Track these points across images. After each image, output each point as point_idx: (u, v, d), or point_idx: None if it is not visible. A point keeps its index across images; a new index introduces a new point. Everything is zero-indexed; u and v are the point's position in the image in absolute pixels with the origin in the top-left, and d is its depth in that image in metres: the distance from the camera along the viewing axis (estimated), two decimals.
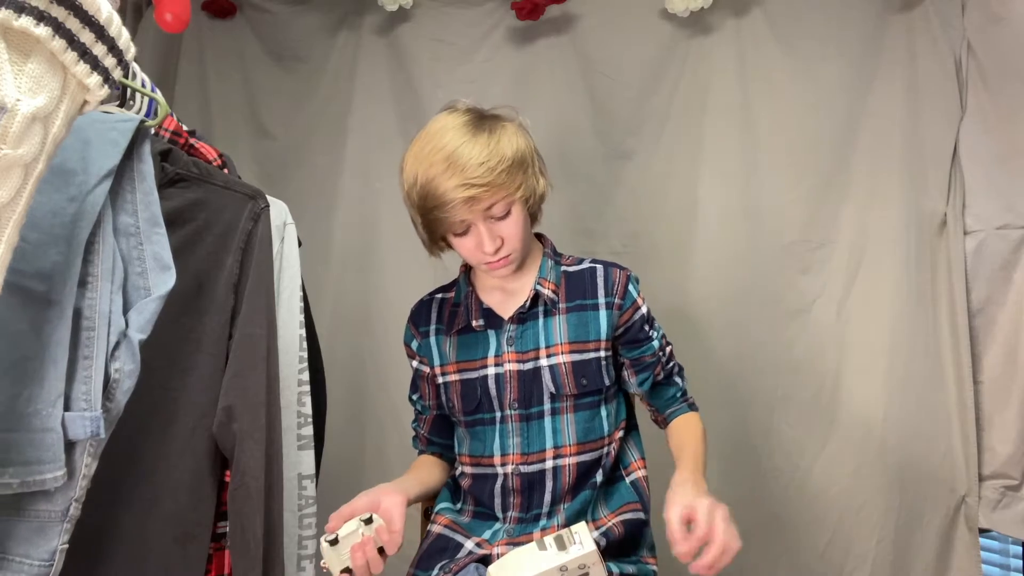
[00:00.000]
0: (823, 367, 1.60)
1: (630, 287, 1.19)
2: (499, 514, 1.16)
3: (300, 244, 1.19)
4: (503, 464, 1.16)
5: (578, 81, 1.78)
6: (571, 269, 1.21)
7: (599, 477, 1.16)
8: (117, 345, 0.76)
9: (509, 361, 1.16)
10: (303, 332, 1.16)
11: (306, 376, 1.15)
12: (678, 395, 1.24)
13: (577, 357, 1.15)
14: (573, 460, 1.14)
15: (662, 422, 1.25)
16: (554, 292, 1.18)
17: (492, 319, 1.19)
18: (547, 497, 1.14)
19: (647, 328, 1.20)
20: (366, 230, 1.88)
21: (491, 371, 1.17)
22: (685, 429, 1.20)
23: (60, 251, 0.74)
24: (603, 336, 1.16)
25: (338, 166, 1.90)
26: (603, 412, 1.17)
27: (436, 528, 1.19)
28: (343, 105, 1.90)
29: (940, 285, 1.53)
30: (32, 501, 0.73)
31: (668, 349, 1.24)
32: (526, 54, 1.82)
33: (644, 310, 1.20)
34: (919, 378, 1.53)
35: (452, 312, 1.23)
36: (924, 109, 1.55)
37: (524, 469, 1.15)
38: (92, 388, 0.74)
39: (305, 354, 1.15)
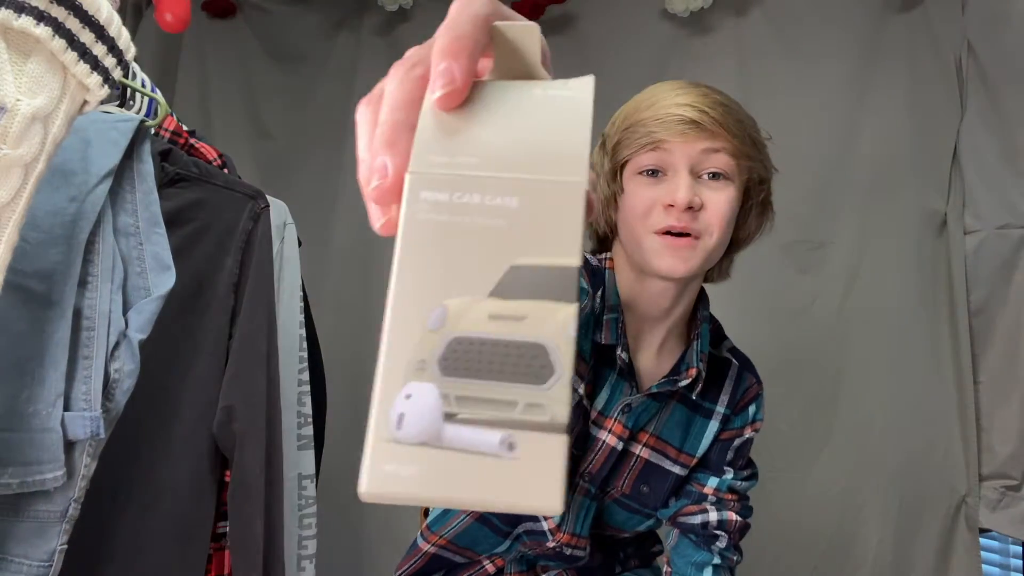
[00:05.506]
0: (823, 367, 1.60)
1: (751, 406, 0.98)
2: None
3: (300, 244, 1.19)
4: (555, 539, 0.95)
5: None
6: (713, 351, 0.99)
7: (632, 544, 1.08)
8: (117, 345, 0.76)
9: (612, 431, 0.92)
10: (303, 332, 1.16)
11: (306, 376, 1.15)
12: (707, 568, 0.95)
13: (653, 458, 0.94)
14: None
15: None
16: (692, 381, 0.92)
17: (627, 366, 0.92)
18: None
19: (728, 459, 0.97)
20: (366, 230, 1.85)
21: (591, 430, 0.92)
22: None
23: (60, 251, 0.73)
24: (696, 452, 0.95)
25: (338, 166, 1.90)
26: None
27: (431, 549, 1.01)
28: (343, 105, 1.90)
29: (940, 285, 1.53)
30: (31, 501, 0.72)
31: (731, 515, 0.95)
32: None
33: (745, 438, 0.97)
34: (919, 378, 1.53)
35: (588, 317, 0.92)
36: (924, 109, 1.55)
37: (567, 552, 0.96)
38: (92, 388, 0.74)
39: (305, 354, 1.15)
